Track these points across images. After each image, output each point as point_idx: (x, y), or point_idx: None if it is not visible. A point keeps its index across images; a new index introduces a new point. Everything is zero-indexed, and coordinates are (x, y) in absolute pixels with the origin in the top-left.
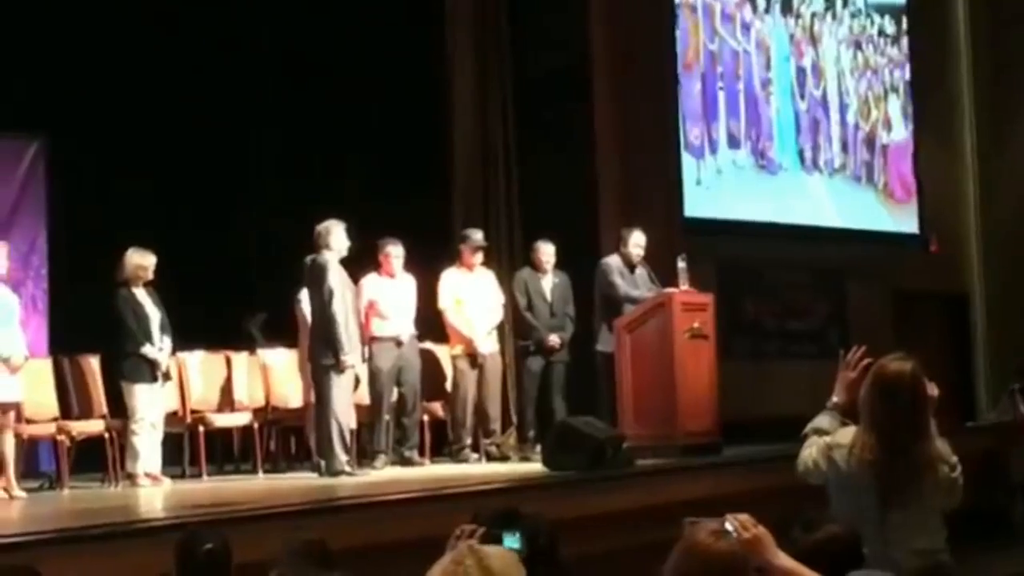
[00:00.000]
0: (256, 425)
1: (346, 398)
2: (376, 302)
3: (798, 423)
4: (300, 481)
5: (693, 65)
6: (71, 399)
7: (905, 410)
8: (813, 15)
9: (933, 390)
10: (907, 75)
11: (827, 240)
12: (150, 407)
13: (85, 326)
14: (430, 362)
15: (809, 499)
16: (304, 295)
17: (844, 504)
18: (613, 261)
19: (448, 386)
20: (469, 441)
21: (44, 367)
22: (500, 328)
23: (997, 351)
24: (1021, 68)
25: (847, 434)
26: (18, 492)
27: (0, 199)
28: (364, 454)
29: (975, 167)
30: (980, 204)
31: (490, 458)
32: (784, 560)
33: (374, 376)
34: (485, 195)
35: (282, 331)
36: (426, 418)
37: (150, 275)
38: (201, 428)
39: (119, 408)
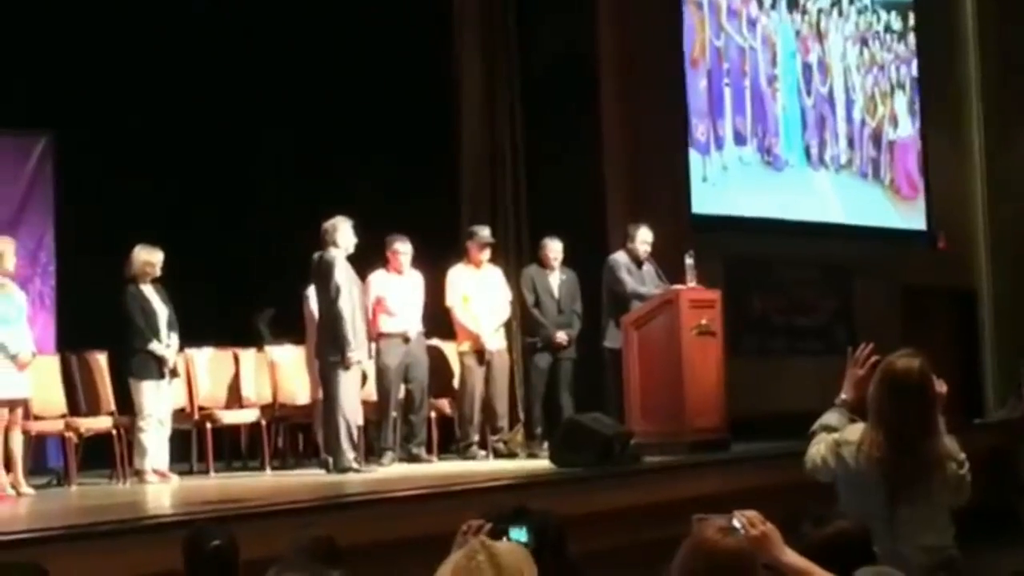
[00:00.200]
0: (264, 422)
1: (353, 395)
2: (384, 299)
3: (806, 420)
4: (308, 478)
5: (699, 62)
6: (79, 396)
7: (913, 407)
8: (819, 11)
9: (941, 387)
10: (914, 71)
11: (835, 236)
12: (158, 404)
13: (93, 323)
14: (437, 359)
15: (817, 496)
16: (312, 292)
17: (852, 501)
18: (620, 258)
19: (456, 383)
20: (476, 438)
21: (52, 364)
22: (507, 325)
23: (1005, 348)
24: None
25: (855, 431)
26: (26, 489)
27: (8, 196)
28: (372, 451)
29: (983, 163)
30: (988, 201)
31: (497, 455)
32: (792, 557)
33: (382, 373)
34: (493, 192)
35: (290, 328)
36: (433, 415)
37: (158, 272)
38: (209, 425)
39: (127, 405)
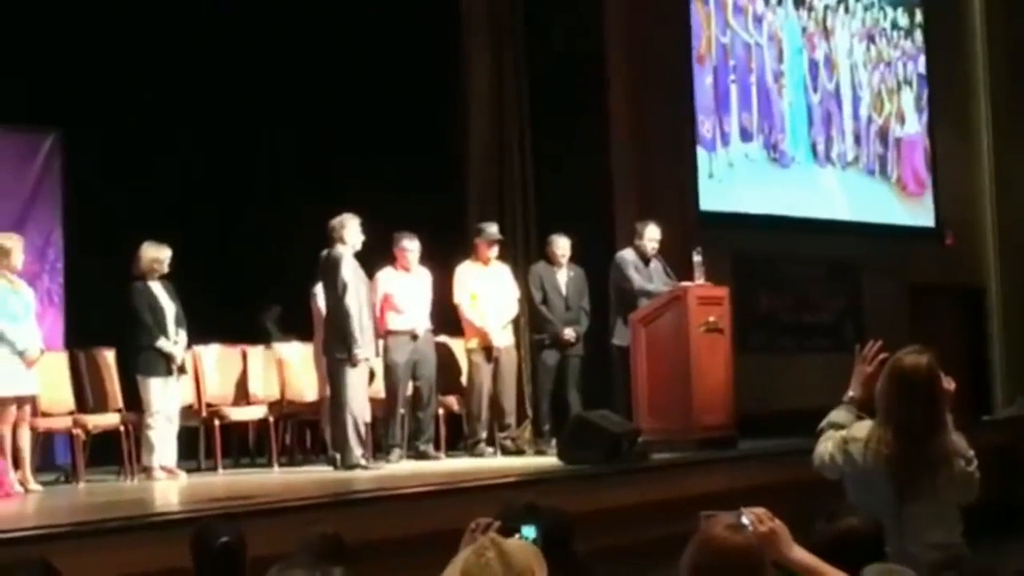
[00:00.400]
0: (271, 419)
1: (361, 392)
2: (391, 296)
3: (814, 417)
4: (315, 474)
5: (705, 58)
6: (87, 393)
7: (921, 404)
8: (826, 8)
9: (949, 384)
10: (920, 68)
11: (843, 234)
12: (165, 401)
13: (101, 320)
14: (445, 356)
15: (825, 493)
16: (319, 289)
17: (860, 498)
18: (628, 255)
19: (463, 380)
20: (484, 435)
21: (60, 361)
22: (515, 322)
23: (1013, 345)
24: None
25: (863, 428)
26: (34, 485)
27: (15, 193)
28: (379, 448)
29: (991, 160)
30: (996, 198)
31: (505, 452)
32: (800, 554)
33: (389, 370)
34: (500, 189)
35: (297, 325)
36: (441, 412)
37: (165, 268)
38: (216, 422)
39: (134, 402)
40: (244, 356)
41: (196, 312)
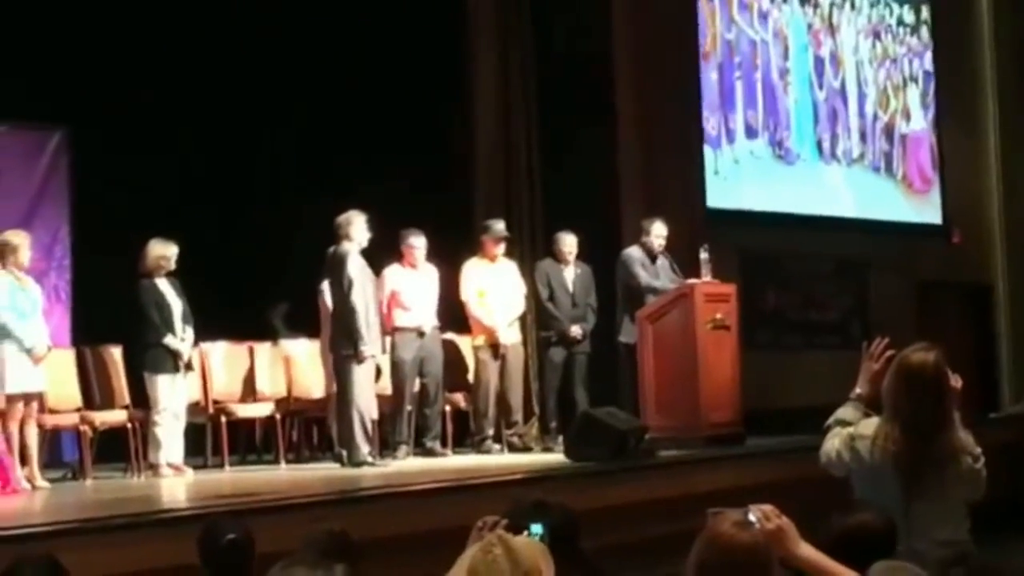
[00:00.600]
0: (278, 416)
1: (368, 389)
2: (398, 293)
3: (821, 414)
4: (322, 472)
5: (710, 55)
6: (94, 389)
7: (928, 401)
8: (832, 4)
9: (956, 381)
10: (926, 65)
11: (850, 231)
12: (172, 398)
13: (108, 317)
14: (452, 353)
15: (833, 490)
16: (326, 286)
17: (867, 495)
18: (635, 252)
19: (470, 377)
20: (491, 432)
21: (67, 358)
22: (522, 319)
23: (1020, 342)
24: None
25: (870, 425)
26: (41, 482)
27: (23, 190)
28: (386, 445)
29: (998, 158)
30: (1003, 195)
31: (512, 449)
32: (807, 551)
33: (396, 367)
34: (507, 187)
35: (304, 322)
36: (448, 409)
37: (172, 266)
38: (223, 419)
39: (142, 398)
40: (251, 353)
41: (203, 309)
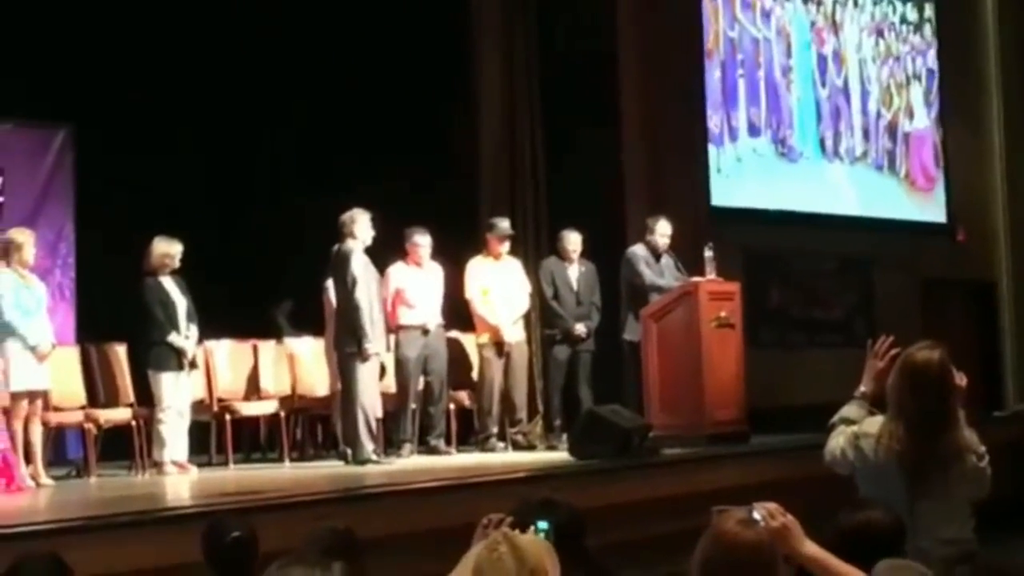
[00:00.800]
0: (283, 413)
1: (372, 386)
2: (403, 291)
3: (825, 412)
4: (326, 469)
5: (713, 53)
6: (98, 387)
7: (933, 399)
8: (835, 2)
9: (961, 379)
10: (929, 63)
11: (854, 229)
12: (177, 395)
13: (112, 314)
14: (456, 351)
15: (837, 489)
16: (331, 284)
17: (872, 493)
18: (639, 250)
19: (475, 375)
20: (495, 430)
21: (71, 355)
22: (527, 317)
23: None
24: None
25: (875, 423)
26: (46, 480)
27: (27, 188)
28: (390, 443)
29: (1003, 156)
30: (1008, 193)
31: (516, 447)
32: (812, 549)
33: (401, 365)
34: (512, 185)
35: (309, 320)
36: (452, 407)
37: (177, 263)
38: (228, 416)
39: (146, 396)
40: (255, 351)
41: (207, 307)
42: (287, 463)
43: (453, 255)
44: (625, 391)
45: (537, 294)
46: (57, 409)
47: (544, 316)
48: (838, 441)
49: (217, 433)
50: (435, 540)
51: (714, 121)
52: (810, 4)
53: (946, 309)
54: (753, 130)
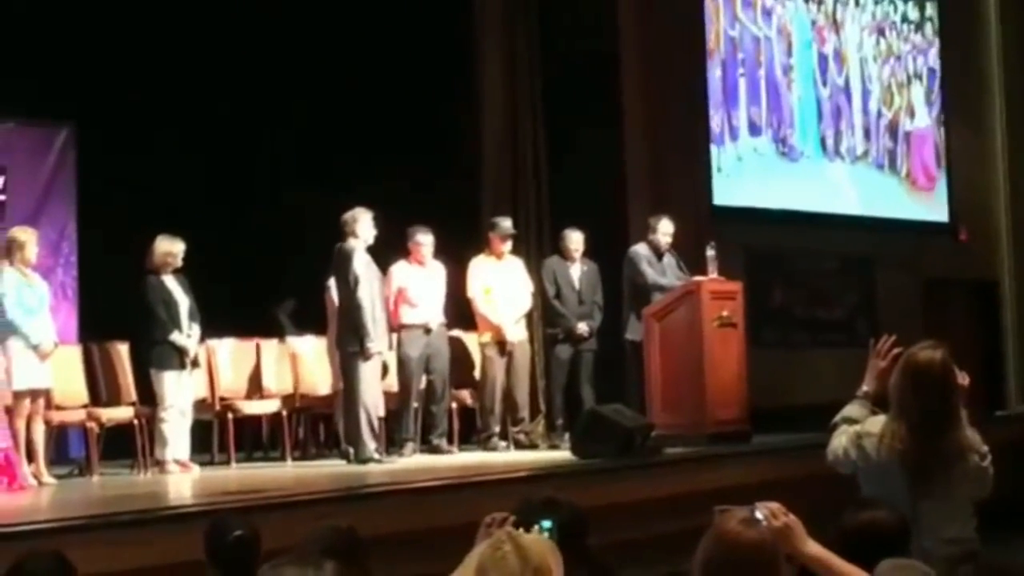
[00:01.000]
0: (285, 412)
1: (374, 385)
2: (405, 290)
3: (827, 412)
4: (329, 468)
5: (714, 52)
6: (100, 386)
7: (935, 399)
8: (836, 1)
9: (963, 379)
10: (931, 61)
11: (856, 229)
12: (179, 394)
13: (114, 313)
14: (459, 350)
15: (839, 488)
16: (333, 283)
17: (874, 493)
18: (641, 249)
19: (477, 374)
20: (498, 429)
21: (73, 354)
22: (529, 316)
23: None
24: None
25: (877, 423)
26: (48, 479)
27: (30, 187)
28: (392, 442)
29: (1005, 155)
30: (1010, 191)
31: (519, 446)
32: (814, 548)
33: (403, 364)
34: (514, 184)
35: (311, 319)
36: (455, 406)
37: (179, 262)
38: (230, 415)
39: (148, 395)
40: (258, 350)
41: (210, 306)
42: (289, 462)
43: (455, 254)
44: (627, 390)
45: (539, 293)
46: (59, 408)
47: (546, 315)
48: (840, 440)
49: (219, 432)
50: (437, 539)
51: (715, 120)
52: (811, 3)
53: (948, 308)
54: (754, 129)
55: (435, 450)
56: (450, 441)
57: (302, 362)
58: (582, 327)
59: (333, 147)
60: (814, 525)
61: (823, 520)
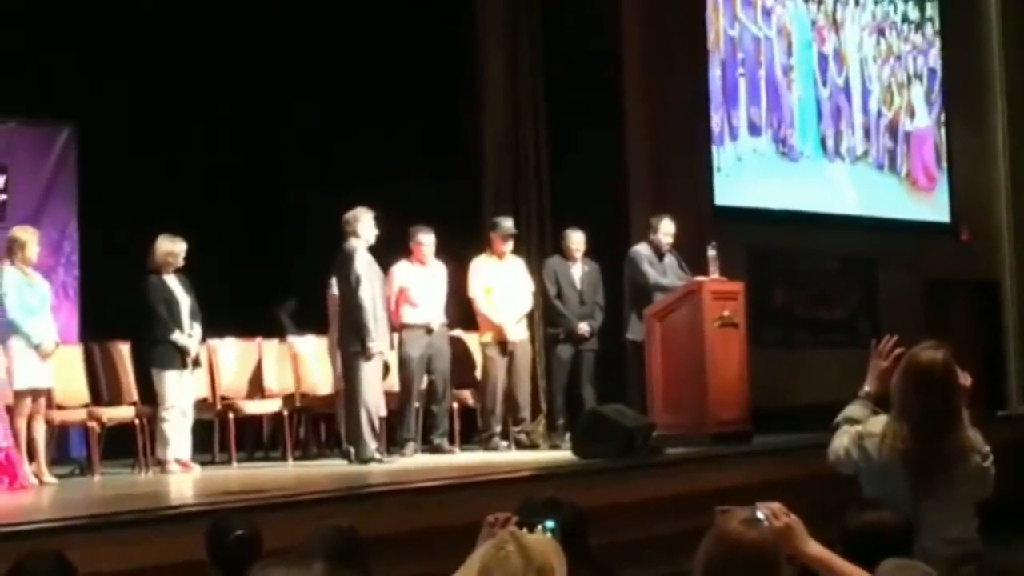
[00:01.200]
0: (286, 412)
1: (375, 385)
2: (407, 289)
3: (829, 412)
4: (330, 468)
5: (713, 52)
6: (101, 386)
7: (937, 399)
8: (836, 1)
9: (965, 380)
10: (931, 62)
11: (857, 229)
12: (180, 394)
13: (116, 313)
14: (460, 350)
15: (841, 489)
16: (335, 282)
17: (875, 493)
18: (642, 249)
19: (478, 374)
20: (499, 429)
21: (75, 354)
22: (530, 316)
23: None
24: None
25: (878, 423)
26: (49, 478)
27: (31, 186)
28: (393, 441)
29: (1006, 154)
30: (1011, 191)
31: (520, 446)
32: (816, 549)
33: (404, 363)
34: (515, 184)
35: (312, 318)
36: (456, 406)
37: (180, 262)
38: (231, 415)
39: (149, 395)
40: (259, 350)
41: (211, 305)
42: (290, 462)
43: (456, 254)
44: (628, 390)
45: (540, 293)
46: (60, 407)
47: (547, 315)
48: (842, 441)
49: (220, 432)
50: (438, 539)
51: (714, 120)
52: (811, 3)
53: (949, 309)
54: (754, 129)
55: (436, 450)
56: (451, 441)
57: (303, 362)
58: (583, 327)
59: (334, 147)
60: (815, 525)
61: (824, 520)
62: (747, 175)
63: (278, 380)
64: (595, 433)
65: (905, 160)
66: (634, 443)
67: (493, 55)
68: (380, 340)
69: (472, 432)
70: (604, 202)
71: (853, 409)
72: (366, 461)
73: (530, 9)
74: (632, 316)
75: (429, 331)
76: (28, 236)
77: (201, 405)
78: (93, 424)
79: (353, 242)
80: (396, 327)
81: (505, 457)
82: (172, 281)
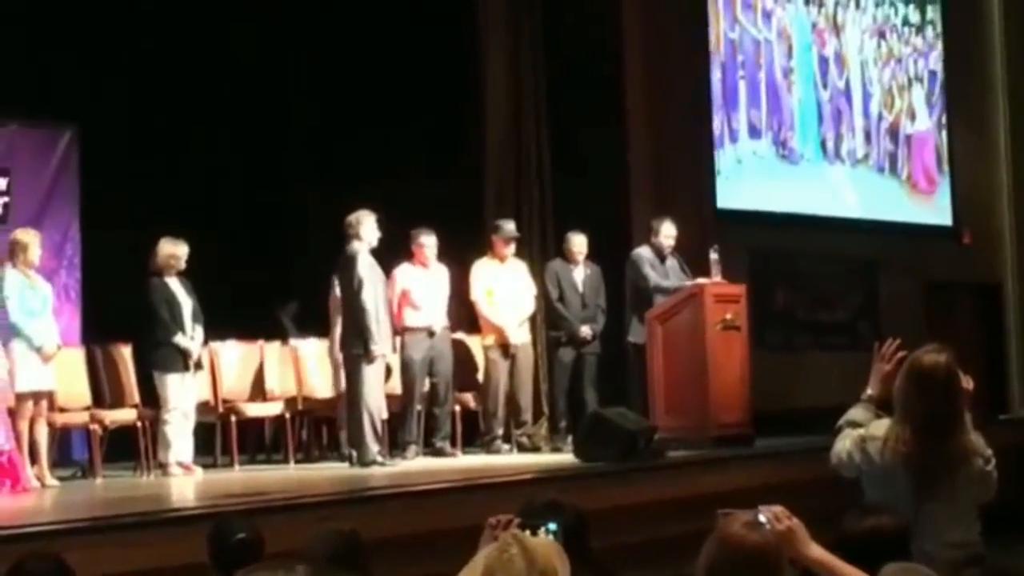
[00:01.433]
0: (288, 415)
1: (378, 388)
2: (409, 292)
3: (831, 415)
4: (331, 471)
5: (714, 54)
6: (103, 388)
7: (940, 403)
8: (836, 4)
9: (968, 383)
10: (931, 64)
11: (859, 232)
12: (182, 396)
13: (118, 315)
14: (462, 353)
15: (843, 492)
16: (337, 285)
17: (878, 496)
18: (644, 252)
19: (480, 377)
20: (501, 432)
21: (77, 356)
22: (532, 319)
23: None
24: None
25: (881, 426)
26: (51, 481)
27: (33, 188)
28: (395, 444)
29: (1008, 157)
30: (1013, 193)
31: (521, 449)
32: (818, 552)
33: (406, 366)
34: (517, 186)
35: (314, 321)
36: (458, 409)
37: (182, 264)
38: (233, 418)
39: (151, 397)
40: (261, 352)
41: (213, 308)
42: (292, 464)
43: (458, 257)
44: (630, 393)
45: (542, 296)
46: (62, 410)
47: (549, 318)
48: (844, 444)
49: (222, 434)
50: (440, 542)
51: (714, 123)
52: (811, 5)
53: (951, 311)
54: (754, 132)
55: (438, 453)
56: (453, 444)
57: (305, 364)
58: (585, 330)
59: (336, 149)
60: (817, 528)
61: (826, 523)
62: (747, 178)
63: (280, 383)
64: (597, 436)
65: (906, 163)
66: (636, 446)
67: (494, 55)
68: (382, 343)
69: (474, 435)
70: (606, 205)
71: (855, 412)
72: (368, 464)
73: (531, 9)
74: (634, 319)
75: (431, 334)
76: (30, 238)
77: (203, 408)
78: (95, 427)
79: (355, 245)
80: (398, 330)
81: (507, 460)
82: (174, 283)
